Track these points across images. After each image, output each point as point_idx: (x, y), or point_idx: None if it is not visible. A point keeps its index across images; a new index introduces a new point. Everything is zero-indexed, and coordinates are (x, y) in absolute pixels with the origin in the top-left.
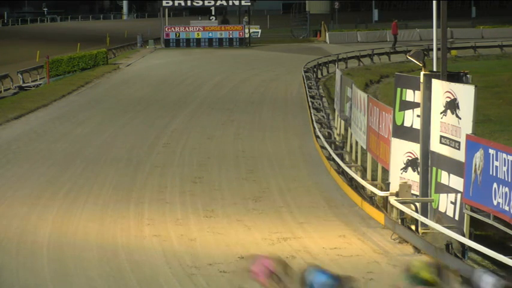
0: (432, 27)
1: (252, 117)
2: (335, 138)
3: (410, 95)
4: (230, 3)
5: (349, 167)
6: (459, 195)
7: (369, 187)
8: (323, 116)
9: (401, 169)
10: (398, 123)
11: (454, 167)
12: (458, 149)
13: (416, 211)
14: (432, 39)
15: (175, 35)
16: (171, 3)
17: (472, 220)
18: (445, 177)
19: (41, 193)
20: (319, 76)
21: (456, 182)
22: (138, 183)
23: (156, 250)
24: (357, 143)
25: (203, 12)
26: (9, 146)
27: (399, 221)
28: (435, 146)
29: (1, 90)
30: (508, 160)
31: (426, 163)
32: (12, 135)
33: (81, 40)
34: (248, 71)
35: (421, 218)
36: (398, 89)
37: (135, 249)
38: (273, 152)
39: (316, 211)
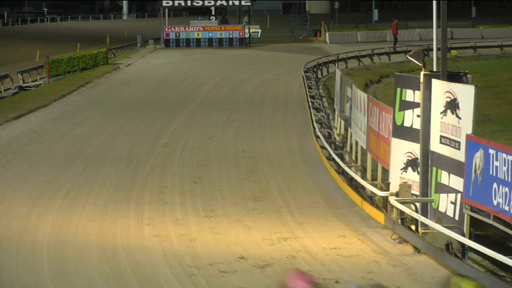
0: (432, 27)
1: (252, 117)
2: (335, 138)
3: (410, 95)
4: (230, 3)
5: (349, 167)
6: (459, 195)
7: (369, 187)
8: (323, 116)
9: (401, 169)
10: (398, 123)
11: (454, 167)
12: (458, 149)
13: (416, 211)
14: (432, 39)
15: (175, 35)
16: (171, 3)
17: (472, 220)
18: (445, 177)
19: (41, 193)
20: (319, 76)
21: (456, 182)
22: (138, 183)
23: (156, 250)
24: (357, 143)
25: (203, 12)
26: (9, 146)
27: (399, 221)
28: (435, 146)
29: (1, 90)
30: (508, 160)
31: (426, 163)
32: (12, 135)
33: (81, 40)
34: (248, 71)
35: (421, 218)
36: (398, 89)
37: (135, 249)
38: (273, 152)
39: (316, 211)
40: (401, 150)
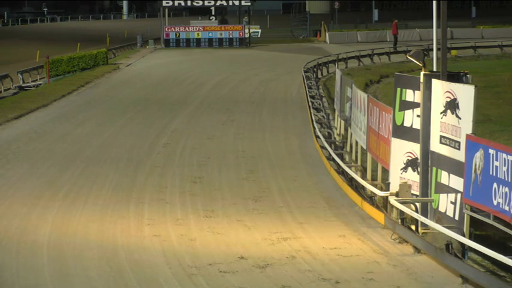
0: (432, 27)
1: (252, 117)
2: (335, 138)
3: (410, 95)
4: (230, 3)
5: (349, 167)
6: (459, 195)
7: (369, 187)
8: (323, 116)
9: (401, 169)
10: (398, 123)
11: (454, 167)
12: (458, 149)
13: (416, 211)
14: (432, 39)
15: (175, 35)
16: (171, 3)
17: (472, 220)
18: (445, 177)
19: (41, 193)
20: (319, 76)
21: (456, 182)
22: (138, 183)
23: (156, 250)
24: (357, 143)
25: (203, 12)
26: (9, 146)
27: (399, 221)
28: (435, 146)
29: (1, 90)
30: (508, 160)
31: (426, 163)
32: (12, 135)
33: (81, 40)
34: (248, 71)
35: (421, 218)
36: (398, 89)
37: (135, 249)
38: (273, 152)
39: (316, 211)
40: (401, 150)
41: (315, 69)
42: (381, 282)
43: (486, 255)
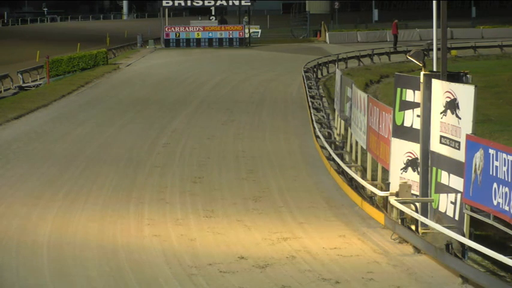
0: (432, 27)
1: (252, 117)
2: (335, 138)
3: (410, 95)
4: (230, 3)
5: (349, 167)
6: (459, 195)
7: (369, 187)
8: (323, 116)
9: (401, 169)
10: (398, 123)
11: (454, 167)
12: (458, 149)
13: (416, 211)
14: (432, 39)
15: (175, 35)
16: (171, 3)
17: (472, 220)
18: (445, 177)
19: (41, 193)
20: (319, 76)
21: (456, 182)
22: (138, 183)
23: (156, 250)
24: (357, 143)
25: (203, 12)
26: (9, 146)
27: (399, 221)
28: (435, 146)
29: (1, 90)
30: (508, 160)
31: (426, 163)
32: (12, 135)
33: (81, 40)
34: (248, 71)
35: (421, 218)
36: (398, 89)
37: (135, 249)
38: (273, 152)
39: (316, 211)
40: (401, 150)
41: (315, 69)
42: (381, 282)
43: (486, 255)
